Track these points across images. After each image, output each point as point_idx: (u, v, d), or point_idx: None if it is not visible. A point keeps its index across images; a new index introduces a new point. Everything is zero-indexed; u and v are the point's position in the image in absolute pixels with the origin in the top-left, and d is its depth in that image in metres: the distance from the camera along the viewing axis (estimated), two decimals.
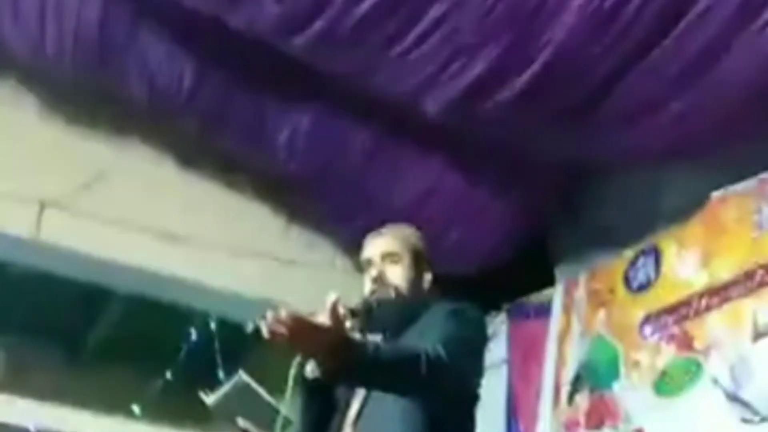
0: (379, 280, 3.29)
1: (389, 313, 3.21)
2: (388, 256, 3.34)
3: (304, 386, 3.11)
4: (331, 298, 2.71)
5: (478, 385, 3.21)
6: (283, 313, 2.64)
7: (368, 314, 3.15)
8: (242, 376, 3.68)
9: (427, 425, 2.97)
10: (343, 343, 2.71)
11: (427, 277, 3.40)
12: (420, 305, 3.27)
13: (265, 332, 2.66)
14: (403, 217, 3.79)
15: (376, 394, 3.06)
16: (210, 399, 3.67)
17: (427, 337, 3.02)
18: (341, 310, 2.79)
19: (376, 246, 3.40)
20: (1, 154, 5.68)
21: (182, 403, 6.86)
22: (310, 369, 3.03)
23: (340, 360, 2.69)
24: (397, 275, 3.31)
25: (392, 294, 3.25)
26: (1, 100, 5.85)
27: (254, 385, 3.64)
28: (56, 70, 5.69)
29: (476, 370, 3.20)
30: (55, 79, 5.85)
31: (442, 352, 2.88)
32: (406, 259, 3.35)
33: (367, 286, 3.33)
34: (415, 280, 3.33)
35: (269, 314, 2.65)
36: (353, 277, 6.37)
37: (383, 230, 3.47)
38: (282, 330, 2.62)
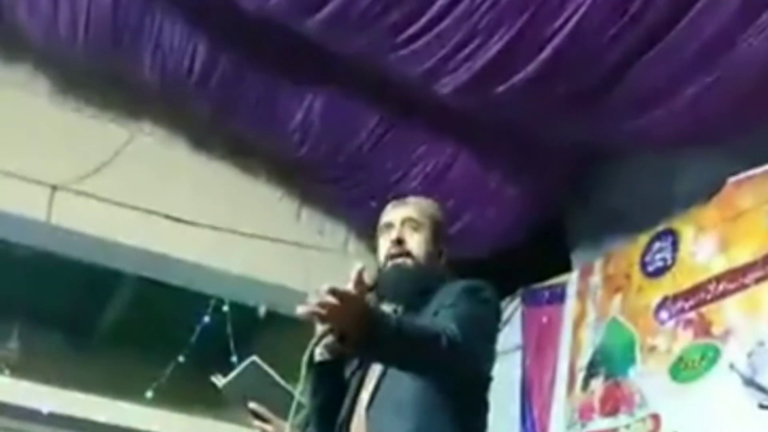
0: (398, 242, 3.21)
1: (404, 281, 3.17)
2: (409, 221, 3.27)
3: (314, 369, 3.07)
4: (357, 266, 2.69)
5: (490, 368, 3.16)
6: (324, 288, 2.60)
7: (382, 281, 3.12)
8: (255, 359, 3.64)
9: (440, 410, 2.94)
10: (367, 314, 2.67)
11: (444, 252, 3.34)
12: (435, 279, 3.21)
13: (303, 312, 2.64)
14: None
15: (390, 378, 3.03)
16: (221, 382, 3.63)
17: (441, 314, 2.98)
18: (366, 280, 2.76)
19: (398, 212, 3.33)
20: (13, 137, 5.68)
21: (194, 388, 6.85)
22: (319, 352, 3.01)
23: (363, 331, 2.65)
24: (416, 242, 3.23)
25: (409, 263, 3.19)
26: (13, 84, 5.85)
27: (267, 368, 3.60)
28: (69, 53, 5.69)
29: (489, 351, 3.15)
30: (67, 63, 5.85)
31: (457, 332, 2.84)
32: (427, 230, 3.27)
33: (383, 250, 3.26)
34: (433, 253, 3.26)
35: (314, 296, 2.62)
36: (366, 260, 6.34)
37: (407, 199, 3.41)
38: (321, 311, 2.60)
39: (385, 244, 3.26)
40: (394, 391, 2.97)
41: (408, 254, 3.20)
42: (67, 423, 5.98)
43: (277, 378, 3.56)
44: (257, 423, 3.44)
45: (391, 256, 3.20)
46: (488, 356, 3.15)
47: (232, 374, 3.63)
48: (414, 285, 3.16)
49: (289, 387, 3.40)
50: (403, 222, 3.26)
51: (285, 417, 3.14)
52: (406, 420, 2.93)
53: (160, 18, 5.44)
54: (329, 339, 2.93)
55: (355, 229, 6.55)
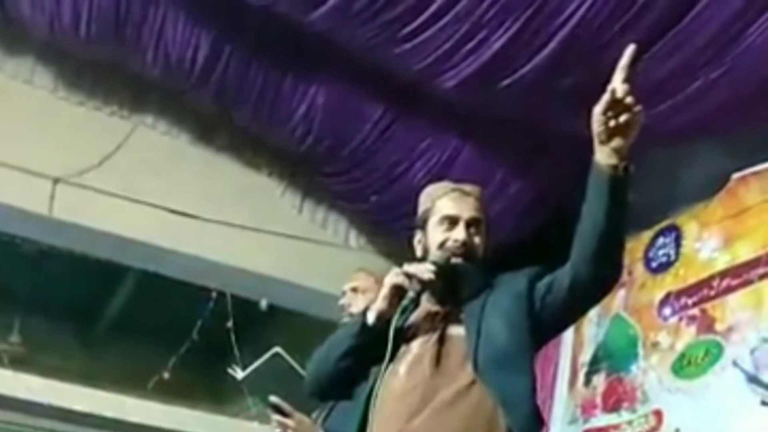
0: (466, 247, 3.14)
1: (470, 283, 3.12)
2: (474, 223, 3.20)
3: (365, 329, 2.99)
4: None
5: None
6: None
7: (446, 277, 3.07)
8: (278, 350, 3.58)
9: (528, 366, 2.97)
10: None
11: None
12: (488, 274, 3.19)
13: None
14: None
15: (485, 339, 2.99)
16: (240, 374, 3.58)
17: (556, 275, 3.13)
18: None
19: (464, 207, 3.23)
20: (15, 129, 5.68)
21: (196, 381, 6.85)
22: (371, 315, 2.96)
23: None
24: (478, 243, 3.19)
25: (471, 267, 3.12)
26: (16, 76, 5.84)
27: (291, 360, 3.54)
28: (71, 45, 5.69)
29: None
30: (69, 55, 5.84)
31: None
32: (483, 228, 3.23)
33: (440, 238, 3.17)
34: (486, 248, 3.23)
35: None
36: (368, 255, 6.34)
37: (467, 188, 3.32)
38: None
39: (444, 236, 3.18)
40: (499, 347, 2.95)
41: (472, 256, 3.16)
42: (68, 416, 5.97)
43: (300, 369, 3.47)
44: (277, 417, 3.37)
45: (453, 254, 3.14)
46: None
47: (253, 366, 3.57)
48: (476, 285, 3.13)
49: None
50: (469, 223, 3.20)
51: (306, 410, 3.07)
52: (522, 374, 2.93)
53: (164, 10, 5.43)
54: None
55: (357, 223, 6.54)
